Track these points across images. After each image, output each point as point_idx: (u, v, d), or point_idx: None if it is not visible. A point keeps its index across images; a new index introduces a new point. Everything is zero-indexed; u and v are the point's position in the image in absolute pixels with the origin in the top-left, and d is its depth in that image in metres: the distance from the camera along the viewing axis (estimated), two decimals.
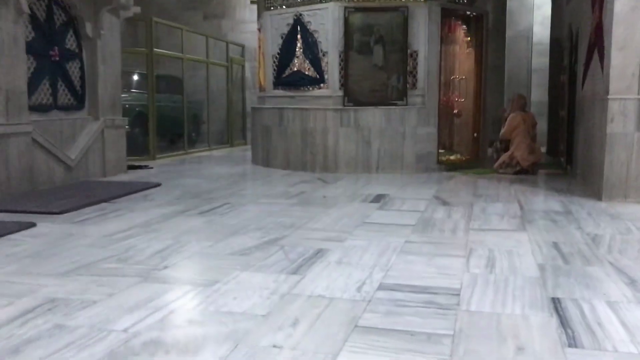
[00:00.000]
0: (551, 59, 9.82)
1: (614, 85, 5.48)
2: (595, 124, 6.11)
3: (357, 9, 7.88)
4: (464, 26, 8.70)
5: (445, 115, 8.93)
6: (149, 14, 10.54)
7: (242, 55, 13.84)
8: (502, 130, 8.15)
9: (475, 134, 8.78)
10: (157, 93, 10.57)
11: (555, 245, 3.80)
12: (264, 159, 8.87)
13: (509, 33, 12.50)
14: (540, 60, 12.32)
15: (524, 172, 7.77)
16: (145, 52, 10.05)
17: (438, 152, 8.21)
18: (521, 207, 5.25)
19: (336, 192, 6.22)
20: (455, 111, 8.96)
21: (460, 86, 8.92)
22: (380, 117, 7.96)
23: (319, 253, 3.58)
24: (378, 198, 5.80)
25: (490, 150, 8.56)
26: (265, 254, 3.58)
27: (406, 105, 7.95)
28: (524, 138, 7.84)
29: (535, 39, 12.34)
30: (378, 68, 7.91)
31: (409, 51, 7.90)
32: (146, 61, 10.07)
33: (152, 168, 8.75)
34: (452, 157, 8.58)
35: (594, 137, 6.14)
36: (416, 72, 7.97)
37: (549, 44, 11.46)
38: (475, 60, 8.70)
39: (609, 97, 5.49)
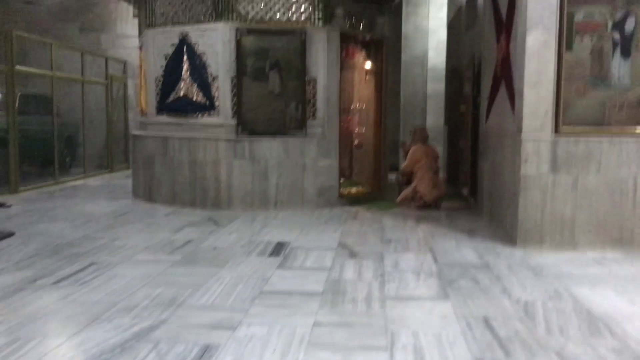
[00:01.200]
0: (449, 86, 9.65)
1: (527, 124, 5.15)
2: (504, 161, 5.78)
3: (250, 31, 7.15)
4: (364, 51, 8.24)
5: (346, 145, 8.41)
6: (15, 26, 9.19)
7: (124, 72, 12.64)
8: (404, 164, 7.73)
9: (376, 164, 8.31)
10: (23, 114, 9.21)
11: (487, 322, 3.26)
12: (147, 192, 7.86)
13: (404, 57, 12.34)
14: (435, 86, 12.22)
15: (427, 207, 7.39)
16: (5, 70, 8.69)
17: (339, 186, 7.64)
18: (435, 260, 4.74)
19: (229, 240, 5.41)
20: (355, 142, 8.47)
21: (361, 115, 8.45)
22: (278, 148, 7.26)
23: (205, 354, 2.77)
24: (278, 249, 5.07)
25: (393, 178, 8.13)
26: None
27: (305, 135, 7.31)
28: (427, 172, 7.46)
29: (430, 64, 12.24)
30: (275, 95, 7.23)
31: (307, 78, 7.29)
32: (6, 80, 8.70)
33: (10, 206, 7.45)
34: (353, 190, 8.05)
35: (503, 175, 5.81)
36: (315, 101, 7.37)
37: (444, 70, 11.39)
38: (375, 87, 8.26)
39: (523, 137, 5.15)
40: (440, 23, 12.01)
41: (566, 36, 5.06)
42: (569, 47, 5.07)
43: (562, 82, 5.09)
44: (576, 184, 5.14)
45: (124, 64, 12.61)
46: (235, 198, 7.25)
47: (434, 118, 12.08)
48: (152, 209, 7.25)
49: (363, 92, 8.52)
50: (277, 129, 7.26)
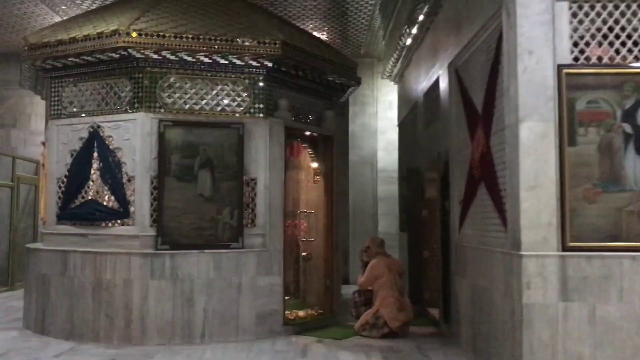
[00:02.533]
0: (405, 188, 8.64)
1: (527, 238, 4.02)
2: (493, 285, 4.59)
3: (177, 123, 5.95)
4: (311, 149, 7.15)
5: (292, 257, 7.10)
6: None
7: (36, 173, 11.07)
8: (361, 279, 6.44)
9: (327, 281, 6.98)
10: None
11: None
12: (39, 322, 6.16)
13: (352, 158, 11.44)
14: (387, 188, 11.27)
15: (392, 335, 6.04)
16: None
17: (284, 310, 6.22)
18: None
19: None
20: (304, 254, 7.16)
21: (309, 221, 7.22)
22: (208, 264, 5.85)
23: None
24: None
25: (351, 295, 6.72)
26: None
27: (242, 248, 5.96)
28: (391, 291, 6.18)
29: (379, 165, 11.36)
30: (205, 199, 5.92)
31: (245, 178, 6.06)
32: None
33: None
34: (301, 313, 6.63)
35: (493, 303, 4.60)
36: (255, 205, 6.10)
37: (396, 172, 10.48)
38: (324, 189, 7.11)
39: (522, 253, 4.01)
40: (389, 123, 11.30)
41: (567, 128, 4.09)
42: (572, 141, 4.09)
43: (567, 185, 4.05)
44: (593, 315, 3.97)
45: (37, 164, 11.07)
46: (150, 330, 5.69)
47: (387, 223, 11.03)
48: (42, 346, 5.57)
49: (311, 194, 7.35)
50: (207, 240, 5.89)
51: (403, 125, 9.80)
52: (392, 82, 10.41)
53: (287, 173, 6.59)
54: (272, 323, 6.05)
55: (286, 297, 6.56)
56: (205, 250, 5.85)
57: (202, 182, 5.94)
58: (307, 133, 6.88)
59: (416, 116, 8.38)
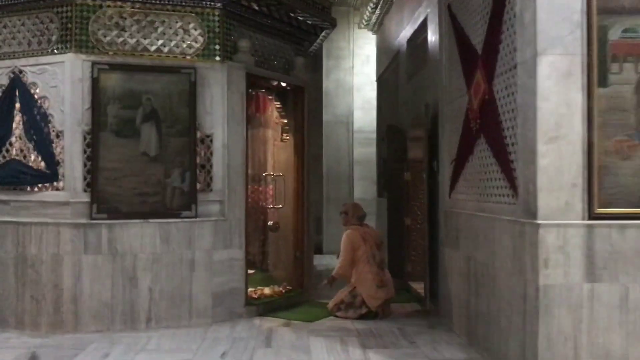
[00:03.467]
0: (385, 149, 7.75)
1: (545, 203, 3.19)
2: (497, 259, 3.78)
3: (114, 67, 4.93)
4: (277, 103, 6.19)
5: (256, 227, 6.22)
6: None
7: None
8: (340, 261, 5.51)
9: (297, 253, 6.11)
10: None
11: None
12: None
13: (326, 118, 10.51)
14: (364, 150, 10.41)
15: (372, 316, 5.23)
16: None
17: (247, 288, 5.35)
18: None
19: None
20: (270, 223, 6.27)
21: (276, 185, 6.30)
22: (154, 236, 4.92)
23: None
24: None
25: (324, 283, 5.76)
26: None
27: (195, 217, 5.04)
28: (368, 265, 5.35)
29: (356, 125, 10.45)
30: (150, 159, 4.96)
31: (199, 135, 5.10)
32: None
33: None
34: (267, 291, 5.77)
35: (496, 282, 3.79)
36: (211, 167, 5.16)
37: (374, 132, 9.60)
38: (295, 150, 6.18)
39: (539, 222, 3.17)
40: (366, 79, 10.37)
41: (597, 64, 3.22)
42: (603, 80, 3.23)
43: (595, 136, 3.21)
44: (626, 300, 3.18)
45: None
46: (84, 315, 4.77)
47: (364, 188, 10.20)
48: None
49: (279, 155, 6.42)
50: (153, 207, 4.95)
51: (382, 80, 8.88)
52: (371, 32, 9.45)
53: (250, 130, 5.66)
54: (231, 303, 5.18)
55: (250, 272, 5.71)
56: (151, 220, 4.91)
57: (145, 138, 4.96)
58: (274, 83, 5.89)
59: (398, 68, 7.47)
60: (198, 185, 5.10)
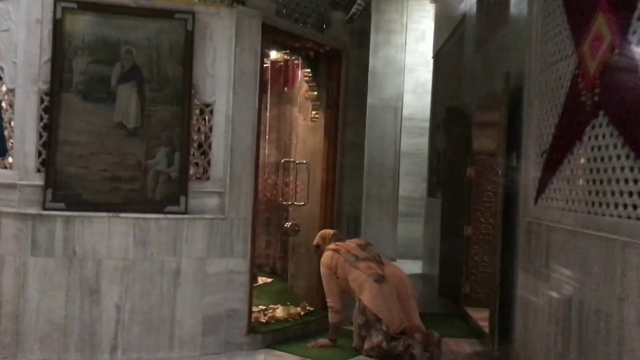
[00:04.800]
0: (443, 139, 6.26)
1: None
2: (588, 299, 2.33)
3: (84, 6, 3.66)
4: (307, 70, 4.82)
5: (268, 230, 4.91)
6: None
7: None
8: (328, 302, 4.19)
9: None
10: None
11: None
12: None
13: (371, 101, 9.04)
14: (413, 142, 9.01)
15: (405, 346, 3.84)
16: None
17: (250, 310, 4.03)
18: None
19: None
20: (287, 224, 4.93)
21: (300, 177, 4.95)
22: (126, 236, 3.66)
23: None
24: None
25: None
26: None
27: (185, 212, 3.75)
28: (355, 268, 4.11)
29: (406, 111, 9.02)
30: (127, 133, 3.70)
31: (195, 103, 3.81)
32: None
33: None
34: (279, 313, 4.44)
35: (622, 343, 2.35)
36: (210, 147, 3.86)
37: (427, 121, 8.17)
38: (326, 132, 4.81)
39: None
40: (421, 59, 8.95)
41: None
42: None
43: None
44: None
45: None
46: (29, 337, 3.55)
47: (411, 185, 8.82)
48: None
49: (305, 137, 5.06)
50: (127, 197, 3.69)
51: (441, 56, 7.42)
52: (429, 0, 7.96)
53: (267, 102, 4.33)
54: (229, 331, 3.87)
55: (264, 280, 4.41)
56: (123, 214, 3.65)
57: (123, 104, 3.70)
58: (302, 43, 4.53)
59: (463, 37, 6.01)
60: (191, 171, 3.82)
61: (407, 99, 9.05)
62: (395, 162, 9.09)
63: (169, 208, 3.74)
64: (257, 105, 3.97)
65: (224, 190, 3.85)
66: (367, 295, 3.93)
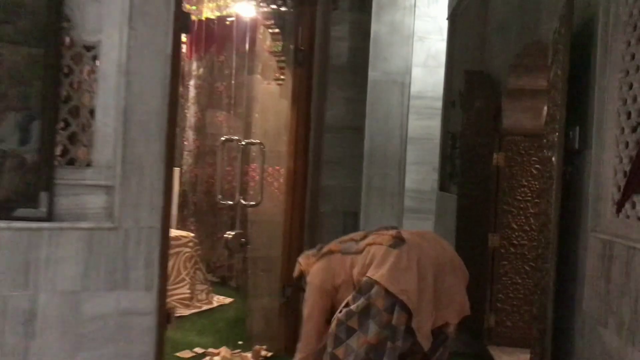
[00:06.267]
0: (461, 117, 4.75)
1: None
2: None
3: None
4: (269, 10, 3.36)
5: (207, 243, 3.50)
6: None
7: None
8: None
9: (286, 289, 3.31)
10: None
11: None
12: None
13: (373, 75, 7.61)
14: (422, 124, 7.57)
15: None
16: None
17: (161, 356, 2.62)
18: None
19: None
20: (229, 234, 3.49)
21: (250, 161, 3.52)
22: None
23: None
24: None
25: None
26: None
27: (47, 219, 2.33)
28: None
29: (414, 88, 7.58)
30: None
31: (67, 42, 2.38)
32: None
33: None
34: (219, 358, 3.01)
35: None
36: (92, 114, 2.43)
37: (440, 99, 6.74)
38: (293, 101, 3.36)
39: None
40: (433, 26, 7.50)
41: None
42: None
43: None
44: None
45: None
46: None
47: (420, 176, 7.43)
48: None
49: (267, 111, 3.61)
50: None
51: (458, 16, 5.94)
52: None
53: (206, 57, 2.88)
54: None
55: (215, 302, 3.01)
56: None
57: None
58: None
59: None
60: (59, 152, 2.40)
61: (416, 73, 7.60)
62: (401, 148, 7.67)
63: (20, 212, 2.33)
64: (171, 47, 2.53)
65: (114, 183, 2.43)
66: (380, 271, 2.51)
